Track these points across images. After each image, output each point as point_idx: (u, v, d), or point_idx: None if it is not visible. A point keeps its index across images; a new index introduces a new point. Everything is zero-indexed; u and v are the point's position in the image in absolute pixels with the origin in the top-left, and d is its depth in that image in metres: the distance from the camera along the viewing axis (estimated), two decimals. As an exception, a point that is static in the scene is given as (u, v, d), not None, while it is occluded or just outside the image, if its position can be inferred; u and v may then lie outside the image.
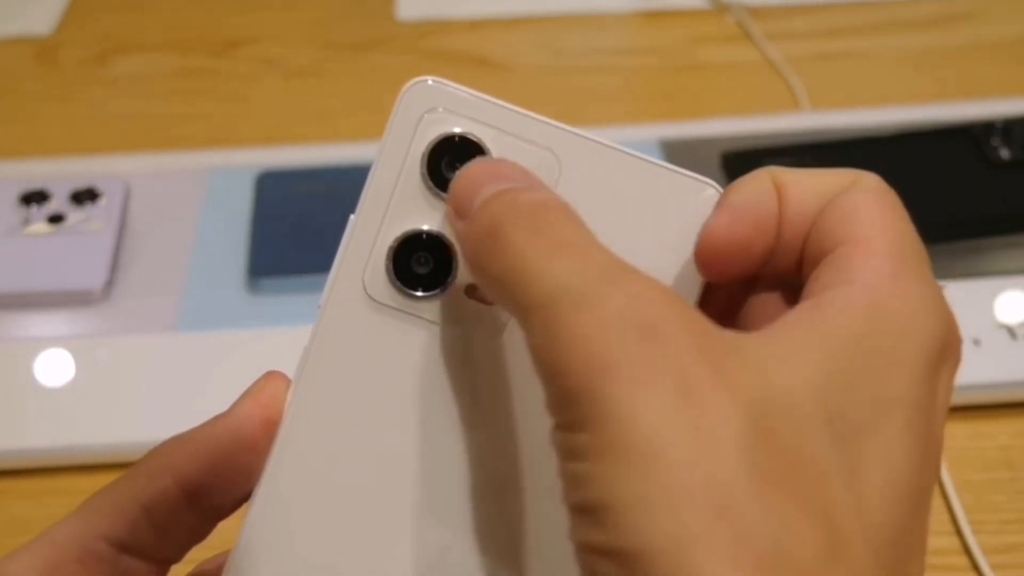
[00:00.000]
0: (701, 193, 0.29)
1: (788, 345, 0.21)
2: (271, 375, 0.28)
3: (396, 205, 0.26)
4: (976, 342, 0.53)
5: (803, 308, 0.22)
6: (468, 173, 0.24)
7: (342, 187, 0.62)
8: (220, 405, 0.54)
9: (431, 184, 0.26)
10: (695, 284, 0.26)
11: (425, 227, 0.26)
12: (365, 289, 0.27)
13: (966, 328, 0.54)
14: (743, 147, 0.64)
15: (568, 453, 0.20)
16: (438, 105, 0.26)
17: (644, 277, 0.21)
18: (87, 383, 0.53)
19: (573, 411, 0.20)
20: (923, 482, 0.22)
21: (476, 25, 0.81)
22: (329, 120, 0.72)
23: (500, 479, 0.26)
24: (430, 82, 0.26)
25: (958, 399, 0.54)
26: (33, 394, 0.52)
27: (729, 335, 0.21)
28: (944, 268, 0.57)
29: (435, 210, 0.26)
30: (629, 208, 0.27)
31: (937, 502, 0.48)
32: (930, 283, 0.23)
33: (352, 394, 0.27)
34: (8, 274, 0.57)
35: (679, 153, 0.66)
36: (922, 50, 0.78)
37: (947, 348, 0.23)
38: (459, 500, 0.26)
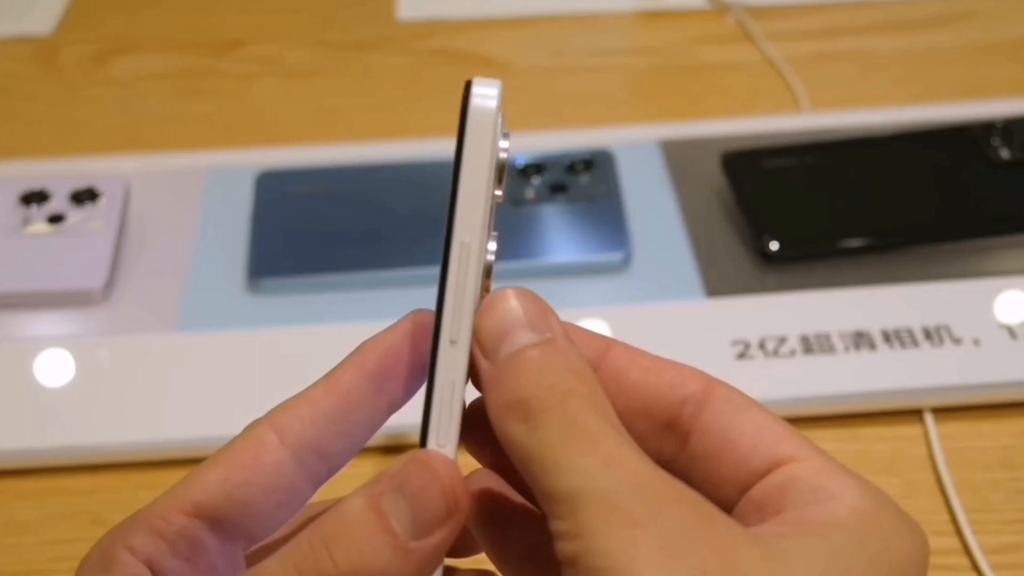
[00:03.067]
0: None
1: (800, 542, 0.23)
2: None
3: (491, 219, 0.25)
4: (976, 342, 0.53)
5: (795, 517, 0.24)
6: (490, 308, 0.25)
7: (342, 187, 0.62)
8: (220, 405, 0.55)
9: (496, 194, 0.25)
10: None
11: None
12: (477, 309, 0.25)
13: (966, 328, 0.54)
14: (743, 147, 0.64)
15: None
16: (500, 109, 0.25)
17: (666, 482, 0.23)
18: (87, 383, 0.53)
19: None
20: None
21: (476, 25, 0.81)
22: (329, 120, 0.72)
23: None
24: (500, 86, 0.25)
25: (958, 399, 0.54)
26: (33, 394, 0.52)
27: (743, 532, 0.23)
28: (944, 268, 0.57)
29: (495, 203, 0.26)
30: None
31: (937, 502, 0.48)
32: (889, 499, 0.25)
33: None
34: (8, 274, 0.57)
35: (679, 153, 0.66)
36: (922, 50, 0.78)
37: (927, 560, 0.24)
38: None
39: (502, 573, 0.29)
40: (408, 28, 0.81)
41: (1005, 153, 0.63)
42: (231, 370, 0.53)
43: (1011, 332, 0.53)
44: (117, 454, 0.50)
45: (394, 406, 0.27)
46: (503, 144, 0.25)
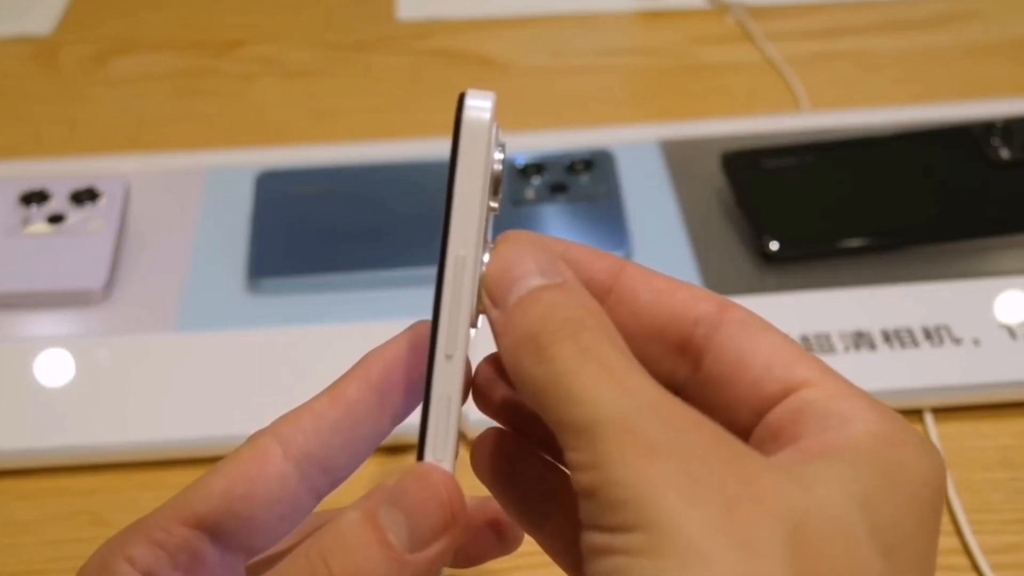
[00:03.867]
0: None
1: (819, 467, 0.23)
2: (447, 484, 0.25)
3: (486, 231, 0.25)
4: (976, 342, 0.53)
5: (813, 444, 0.23)
6: (500, 259, 0.25)
7: (342, 187, 0.62)
8: (220, 405, 0.55)
9: (491, 204, 0.26)
10: None
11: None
12: (473, 323, 0.25)
13: (966, 328, 0.54)
14: (743, 147, 0.64)
15: (611, 550, 0.21)
16: (492, 118, 0.25)
17: (682, 409, 0.22)
18: (87, 383, 0.53)
19: (620, 516, 0.21)
20: None
21: (476, 25, 0.81)
22: (329, 120, 0.72)
23: None
24: (494, 98, 0.25)
25: (958, 399, 0.54)
26: (33, 394, 0.52)
27: (761, 457, 0.23)
28: (944, 268, 0.57)
29: (491, 214, 0.26)
30: None
31: (937, 502, 0.48)
32: (903, 420, 0.25)
33: None
34: (8, 274, 0.57)
35: (679, 153, 0.66)
36: (922, 50, 0.78)
37: (944, 483, 0.24)
38: None
39: (529, 533, 0.29)
40: (408, 28, 0.81)
41: (1005, 153, 0.63)
42: (231, 370, 0.53)
43: (1011, 332, 0.53)
44: (117, 454, 0.50)
45: (397, 418, 0.27)
46: (497, 156, 0.25)
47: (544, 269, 0.24)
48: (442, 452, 0.24)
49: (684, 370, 0.26)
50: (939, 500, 0.24)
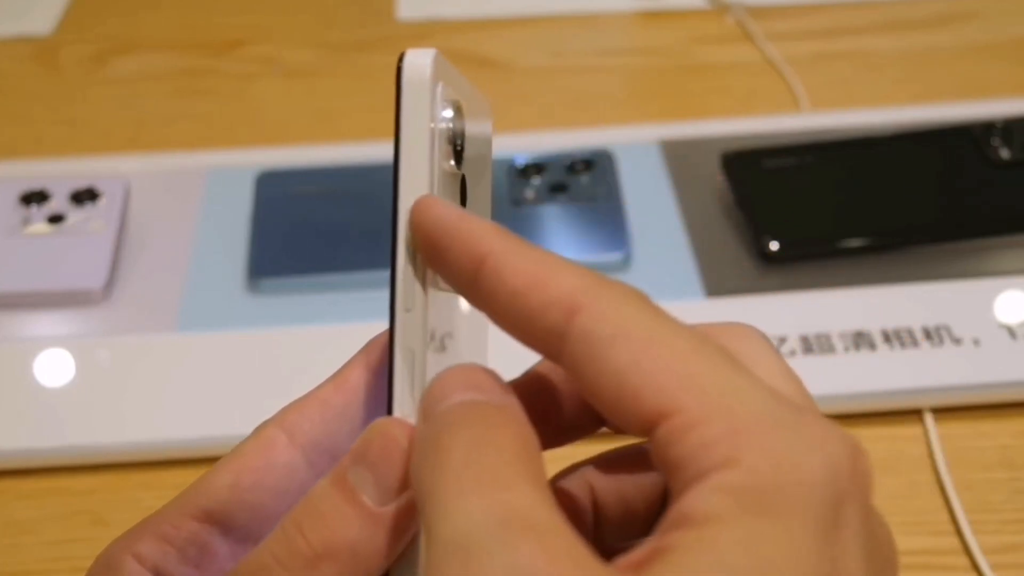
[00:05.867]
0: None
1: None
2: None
3: (439, 188, 0.25)
4: (976, 342, 0.53)
5: (668, 525, 0.20)
6: (443, 380, 0.23)
7: (342, 187, 0.62)
8: (220, 405, 0.55)
9: (449, 159, 0.25)
10: None
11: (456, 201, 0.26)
12: (437, 282, 0.25)
13: (966, 328, 0.54)
14: (743, 147, 0.64)
15: None
16: (439, 74, 0.25)
17: (541, 536, 0.20)
18: (87, 383, 0.53)
19: None
20: None
21: (476, 25, 0.81)
22: (329, 120, 0.72)
23: None
24: (437, 55, 0.25)
25: (958, 399, 0.54)
26: (33, 394, 0.52)
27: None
28: (944, 268, 0.57)
29: (455, 178, 0.26)
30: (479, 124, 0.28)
31: (937, 502, 0.48)
32: (782, 419, 0.20)
33: None
34: (8, 274, 0.57)
35: (679, 153, 0.66)
36: (922, 50, 0.78)
37: (839, 493, 0.20)
38: None
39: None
40: (408, 28, 0.81)
41: (1005, 153, 0.63)
42: (231, 370, 0.53)
43: (1011, 332, 0.53)
44: (117, 454, 0.50)
45: None
46: (446, 114, 0.25)
47: (483, 388, 0.23)
48: (409, 406, 0.24)
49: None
50: (832, 504, 0.20)
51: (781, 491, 0.20)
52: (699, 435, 0.20)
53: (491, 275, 0.23)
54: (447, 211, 0.24)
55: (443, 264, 0.24)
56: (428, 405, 0.23)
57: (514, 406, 0.23)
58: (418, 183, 0.24)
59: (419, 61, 0.24)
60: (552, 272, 0.23)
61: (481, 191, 0.29)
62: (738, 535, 0.19)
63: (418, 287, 0.24)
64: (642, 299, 0.22)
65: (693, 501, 0.20)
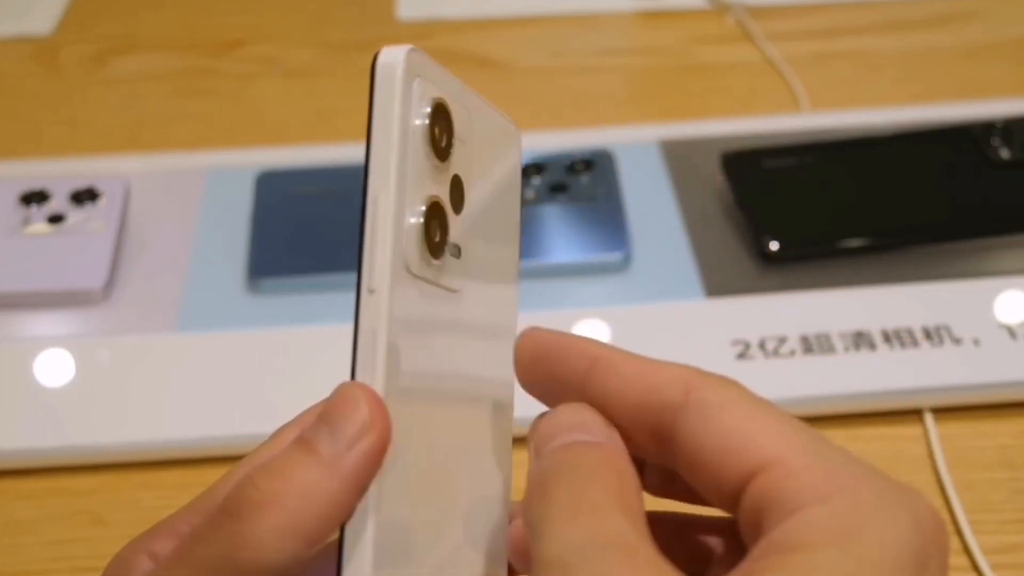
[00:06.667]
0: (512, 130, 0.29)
1: (775, 568, 0.22)
2: (372, 401, 0.25)
3: (411, 174, 0.25)
4: (976, 342, 0.53)
5: (770, 542, 0.22)
6: (553, 419, 0.26)
7: (342, 187, 0.62)
8: (220, 405, 0.55)
9: (429, 150, 0.26)
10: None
11: (432, 193, 0.26)
12: (407, 267, 0.25)
13: (966, 328, 0.54)
14: (743, 147, 0.64)
15: None
16: (415, 70, 0.26)
17: (629, 554, 0.22)
18: (87, 383, 0.53)
19: None
20: None
21: (476, 25, 0.81)
22: (329, 120, 0.72)
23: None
24: (411, 50, 0.26)
25: (958, 399, 0.54)
26: (33, 394, 0.52)
27: None
28: (944, 268, 0.57)
29: (430, 174, 0.26)
30: (496, 155, 0.29)
31: (937, 502, 0.48)
32: (873, 477, 0.23)
33: (432, 384, 0.27)
34: (8, 274, 0.57)
35: (679, 153, 0.66)
36: (922, 50, 0.78)
37: (922, 552, 0.22)
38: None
39: None
40: (408, 28, 0.81)
41: (1005, 153, 0.63)
42: (231, 370, 0.53)
43: (1011, 332, 0.53)
44: (117, 454, 0.50)
45: None
46: (424, 109, 0.26)
47: (591, 429, 0.25)
48: (369, 381, 0.25)
49: (666, 458, 0.26)
50: (918, 557, 0.22)
51: (875, 534, 0.22)
52: (798, 481, 0.23)
53: (606, 368, 0.26)
54: (554, 332, 0.27)
55: (557, 366, 0.27)
56: (539, 444, 0.25)
57: (616, 444, 0.25)
58: (386, 175, 0.25)
59: (392, 56, 0.26)
60: (660, 364, 0.26)
61: (499, 204, 0.29)
62: (834, 561, 0.21)
63: (381, 271, 0.25)
64: (740, 384, 0.26)
65: (789, 531, 0.22)
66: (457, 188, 0.27)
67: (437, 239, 0.26)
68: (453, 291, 0.27)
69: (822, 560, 0.21)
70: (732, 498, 0.24)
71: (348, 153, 0.66)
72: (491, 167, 0.29)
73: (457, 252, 0.27)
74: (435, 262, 0.26)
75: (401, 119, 0.25)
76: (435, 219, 0.26)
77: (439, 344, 0.27)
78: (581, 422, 0.26)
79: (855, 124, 0.67)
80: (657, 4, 0.82)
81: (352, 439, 0.24)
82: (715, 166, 0.63)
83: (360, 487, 0.24)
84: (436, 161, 0.26)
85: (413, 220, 0.25)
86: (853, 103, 0.71)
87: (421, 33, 0.80)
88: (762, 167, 0.62)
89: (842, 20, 0.81)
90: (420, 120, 0.26)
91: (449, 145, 0.26)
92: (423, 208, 0.25)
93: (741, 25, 0.80)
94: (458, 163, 0.27)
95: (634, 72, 0.78)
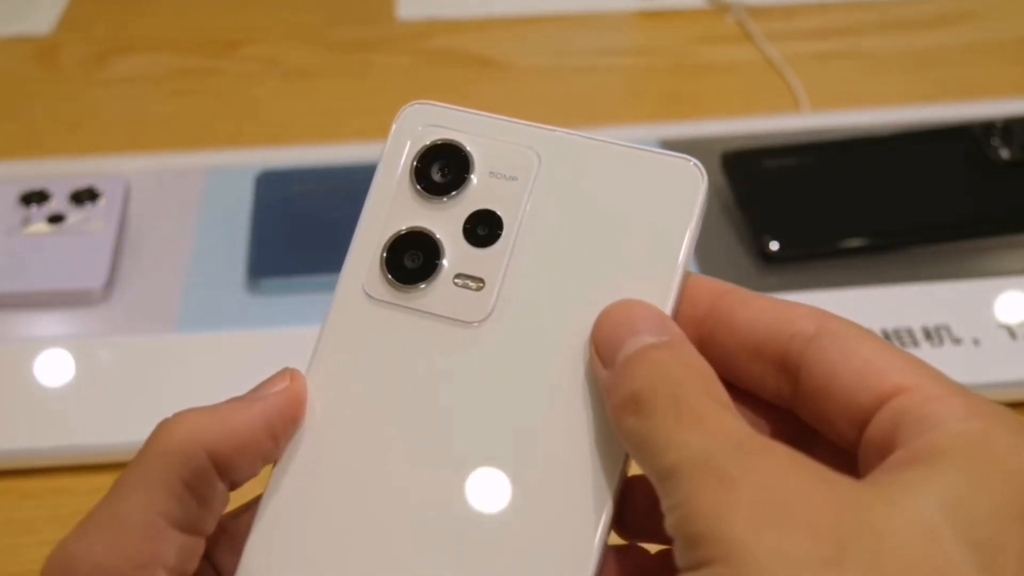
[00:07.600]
0: (683, 169, 0.31)
1: (908, 476, 0.22)
2: (295, 375, 0.30)
3: (392, 210, 0.29)
4: (976, 342, 0.53)
5: (905, 453, 0.23)
6: (608, 319, 0.26)
7: (342, 187, 0.62)
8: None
9: (419, 188, 0.29)
10: (682, 259, 0.29)
11: (413, 225, 0.29)
12: (364, 289, 0.29)
13: (966, 328, 0.54)
14: (743, 147, 0.64)
15: None
16: (427, 121, 0.29)
17: (764, 444, 0.23)
18: (87, 383, 0.53)
19: (699, 551, 0.21)
20: None
21: (476, 25, 0.81)
22: (329, 120, 0.72)
23: (489, 461, 0.27)
24: (419, 104, 0.30)
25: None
26: (33, 394, 0.52)
27: (843, 478, 0.22)
28: (944, 268, 0.57)
29: (425, 209, 0.29)
30: (616, 194, 0.29)
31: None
32: (1005, 412, 0.24)
33: (358, 390, 0.29)
34: (8, 274, 0.57)
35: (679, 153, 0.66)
36: (922, 50, 0.78)
37: None
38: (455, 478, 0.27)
39: None
40: (408, 28, 0.81)
41: (1005, 153, 0.63)
42: (231, 370, 0.53)
43: (1011, 332, 0.53)
44: (117, 454, 0.50)
45: None
46: (414, 150, 0.29)
47: (652, 328, 0.26)
48: (304, 369, 0.30)
49: (787, 387, 0.26)
50: None
51: (1016, 456, 0.23)
52: (936, 404, 0.23)
53: (737, 299, 0.27)
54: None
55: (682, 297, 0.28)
56: (604, 354, 0.26)
57: (688, 341, 0.26)
58: (377, 212, 0.30)
59: (413, 116, 0.30)
60: (790, 302, 0.27)
61: (620, 244, 0.29)
62: (979, 468, 0.22)
63: (337, 291, 0.30)
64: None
65: (933, 440, 0.23)
66: (486, 222, 0.28)
67: (411, 265, 0.28)
68: (427, 313, 0.28)
69: (970, 465, 0.22)
70: (860, 421, 0.24)
71: (348, 153, 0.66)
72: (604, 208, 0.29)
73: (477, 284, 0.28)
74: (405, 287, 0.28)
75: (386, 159, 0.30)
76: (413, 248, 0.28)
77: (401, 359, 0.28)
78: (645, 325, 0.26)
79: (855, 124, 0.67)
80: (657, 4, 0.82)
81: (268, 391, 0.29)
82: (715, 166, 0.63)
83: (269, 428, 0.28)
84: (427, 196, 0.29)
85: (374, 247, 0.29)
86: (853, 103, 0.71)
87: (421, 33, 0.80)
88: (762, 167, 0.62)
89: (842, 20, 0.81)
90: (413, 159, 0.29)
91: (459, 182, 0.29)
92: (390, 235, 0.29)
93: (741, 25, 0.80)
94: (489, 199, 0.29)
95: (634, 72, 0.78)
